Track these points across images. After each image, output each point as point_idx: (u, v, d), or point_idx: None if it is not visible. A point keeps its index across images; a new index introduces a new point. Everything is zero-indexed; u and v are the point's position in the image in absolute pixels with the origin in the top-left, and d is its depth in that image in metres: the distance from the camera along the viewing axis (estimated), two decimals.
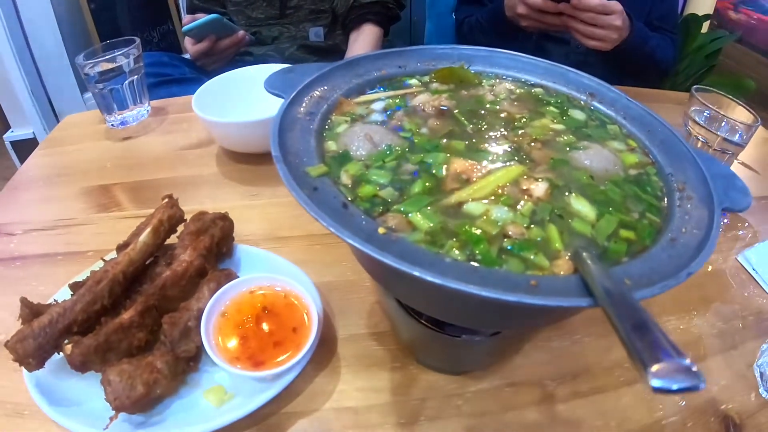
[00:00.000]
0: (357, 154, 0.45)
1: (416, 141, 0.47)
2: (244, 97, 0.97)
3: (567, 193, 0.41)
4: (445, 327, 0.48)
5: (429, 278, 0.30)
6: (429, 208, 0.39)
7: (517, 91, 0.57)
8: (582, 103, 0.56)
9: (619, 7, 1.09)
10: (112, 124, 1.06)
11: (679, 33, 1.41)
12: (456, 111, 0.52)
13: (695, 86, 0.93)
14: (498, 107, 0.54)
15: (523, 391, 0.50)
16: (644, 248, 0.37)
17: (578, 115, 0.54)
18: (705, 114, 0.89)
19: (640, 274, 0.33)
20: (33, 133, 2.25)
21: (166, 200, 0.68)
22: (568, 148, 0.47)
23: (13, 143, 2.29)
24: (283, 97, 0.48)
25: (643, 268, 0.34)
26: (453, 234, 0.37)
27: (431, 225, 0.37)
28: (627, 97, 0.54)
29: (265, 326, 0.54)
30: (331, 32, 1.52)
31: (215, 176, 0.92)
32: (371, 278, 0.49)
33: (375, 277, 0.47)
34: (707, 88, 0.93)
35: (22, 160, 2.42)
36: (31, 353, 0.54)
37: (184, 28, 1.27)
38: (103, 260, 0.65)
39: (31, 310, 0.57)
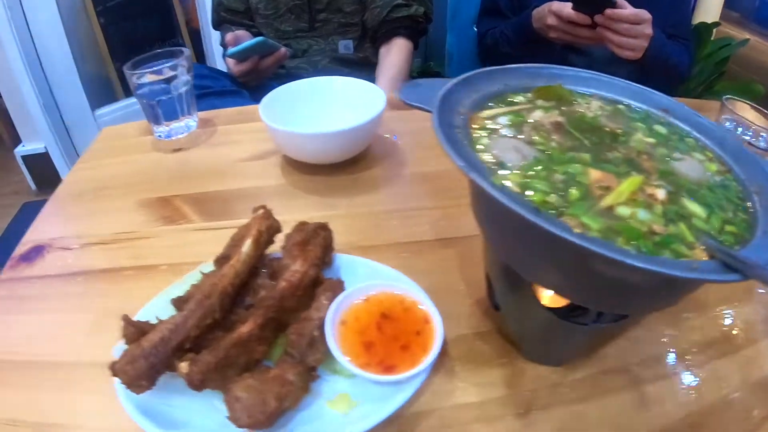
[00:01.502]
0: (511, 164, 0.46)
1: (551, 153, 0.48)
2: (305, 109, 0.93)
3: (681, 197, 0.45)
4: (571, 317, 0.50)
5: (629, 260, 0.34)
6: (589, 211, 0.41)
7: (607, 107, 0.58)
8: (660, 118, 0.57)
9: (648, 15, 1.09)
10: (160, 136, 1.00)
11: (692, 40, 1.41)
12: (568, 126, 0.53)
13: (725, 97, 0.91)
14: (599, 123, 0.55)
15: (614, 376, 0.53)
16: (746, 240, 0.41)
17: (661, 129, 0.55)
18: (734, 122, 0.88)
19: (755, 258, 0.37)
20: (45, 147, 2.16)
21: (261, 211, 0.62)
22: (667, 159, 0.50)
23: (25, 157, 2.19)
24: (427, 110, 0.48)
25: (754, 254, 0.38)
26: (618, 232, 0.39)
27: (600, 225, 0.40)
28: (695, 113, 0.56)
29: (387, 331, 0.53)
30: (361, 45, 1.49)
31: (284, 187, 0.87)
32: (465, 283, 0.57)
33: (530, 267, 0.47)
34: (735, 98, 0.92)
35: (33, 174, 2.33)
36: (144, 374, 0.47)
37: (229, 51, 1.23)
38: (202, 273, 0.58)
39: (136, 329, 0.50)
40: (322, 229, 0.63)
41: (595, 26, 1.14)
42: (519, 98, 0.57)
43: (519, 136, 0.50)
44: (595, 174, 0.45)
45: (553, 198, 0.42)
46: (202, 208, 0.83)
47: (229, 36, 1.26)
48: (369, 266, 0.64)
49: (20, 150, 2.20)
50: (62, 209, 0.86)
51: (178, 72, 0.95)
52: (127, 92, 2.40)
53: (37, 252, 0.76)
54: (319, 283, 0.58)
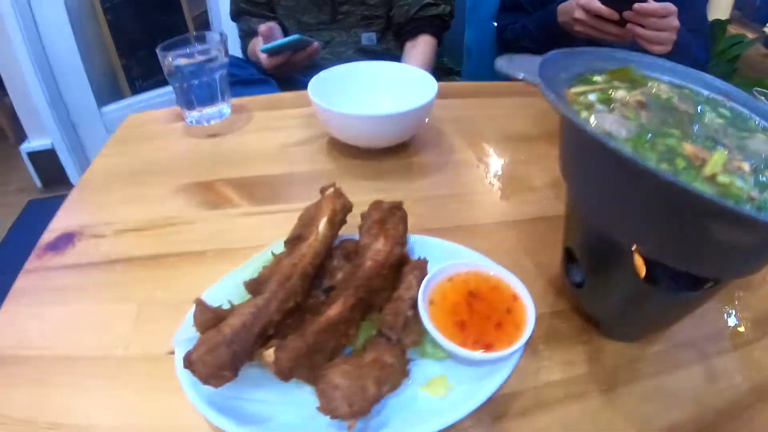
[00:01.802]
0: (618, 135, 0.46)
1: (648, 127, 0.48)
2: (352, 93, 0.88)
3: (763, 169, 0.45)
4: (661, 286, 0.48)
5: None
6: (697, 179, 0.42)
7: (674, 91, 0.58)
8: (721, 102, 0.57)
9: (674, 7, 1.06)
10: (192, 121, 0.93)
11: (709, 36, 1.38)
12: (650, 105, 0.53)
13: (755, 89, 0.91)
14: (673, 104, 0.55)
15: (683, 351, 0.53)
16: None
17: (725, 112, 0.55)
18: None
19: None
20: (51, 143, 2.07)
21: (332, 189, 0.56)
22: (738, 137, 0.50)
23: (30, 154, 2.09)
24: (531, 81, 0.49)
25: None
26: (726, 197, 0.40)
27: (711, 191, 0.41)
28: (752, 98, 0.56)
29: (478, 310, 0.50)
30: (384, 38, 1.45)
31: (333, 172, 0.81)
32: (533, 264, 0.53)
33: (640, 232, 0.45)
34: (762, 89, 0.91)
35: (39, 171, 2.23)
36: (226, 364, 0.40)
37: (264, 47, 1.17)
38: (273, 254, 0.51)
39: (212, 315, 0.43)
40: (397, 208, 0.57)
41: (623, 23, 1.10)
42: (597, 78, 0.57)
43: (613, 112, 0.50)
44: (688, 147, 0.45)
45: (664, 166, 0.42)
46: (248, 192, 0.76)
47: (263, 28, 1.20)
48: (444, 246, 0.60)
49: (26, 146, 2.11)
50: (90, 196, 0.79)
51: (214, 55, 0.88)
52: (134, 89, 2.32)
53: (66, 240, 0.69)
54: (403, 263, 0.53)
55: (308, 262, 0.48)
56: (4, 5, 1.81)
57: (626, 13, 1.06)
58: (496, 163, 0.85)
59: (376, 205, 0.55)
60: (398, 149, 0.86)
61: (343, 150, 0.86)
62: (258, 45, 1.23)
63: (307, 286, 0.47)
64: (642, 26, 1.08)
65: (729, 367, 0.52)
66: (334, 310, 0.45)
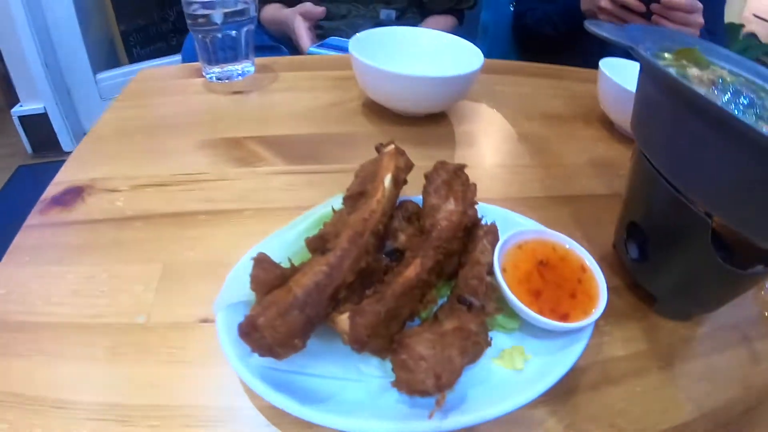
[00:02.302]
0: None
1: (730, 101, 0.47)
2: (392, 56, 0.80)
3: None
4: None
5: None
6: None
7: (733, 76, 0.55)
8: None
9: (700, 5, 1.03)
10: (212, 78, 0.84)
11: (726, 38, 1.35)
12: (721, 84, 0.51)
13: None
14: (736, 86, 0.52)
15: (728, 333, 0.52)
16: None
17: None
18: None
19: None
20: (44, 108, 1.94)
21: (392, 146, 0.49)
22: None
23: (21, 118, 1.96)
24: (626, 44, 0.47)
25: None
26: None
27: None
28: None
29: (550, 279, 0.46)
30: (402, 16, 1.37)
31: (373, 135, 0.74)
32: (586, 240, 0.52)
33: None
34: None
35: (30, 136, 2.08)
36: (298, 330, 0.33)
37: (310, 50, 1.12)
38: (334, 210, 0.44)
39: (276, 273, 0.36)
40: (461, 170, 0.50)
41: (648, 15, 1.05)
42: (667, 56, 0.56)
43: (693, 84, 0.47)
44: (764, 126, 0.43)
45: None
46: (282, 151, 0.69)
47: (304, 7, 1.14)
48: (504, 215, 0.55)
49: (17, 110, 1.96)
50: (102, 148, 0.69)
51: (243, 8, 0.80)
52: (131, 58, 2.19)
53: (74, 194, 0.60)
54: (475, 227, 0.47)
55: (378, 219, 0.41)
56: None
57: (653, 6, 1.02)
58: (534, 138, 0.79)
59: (442, 165, 0.49)
60: (438, 118, 0.80)
61: (379, 114, 0.79)
62: (278, 13, 1.17)
63: (378, 246, 0.40)
64: (667, 20, 1.04)
65: None
66: (412, 271, 0.38)
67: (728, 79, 0.53)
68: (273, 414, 0.38)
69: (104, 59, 2.10)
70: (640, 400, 0.44)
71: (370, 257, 0.39)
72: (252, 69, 0.88)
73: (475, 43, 0.81)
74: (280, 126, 0.75)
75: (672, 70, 0.50)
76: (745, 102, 0.48)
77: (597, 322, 0.48)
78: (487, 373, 0.41)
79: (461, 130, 0.79)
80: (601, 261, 0.56)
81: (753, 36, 2.40)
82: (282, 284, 0.36)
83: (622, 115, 0.76)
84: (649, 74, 0.47)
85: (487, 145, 0.78)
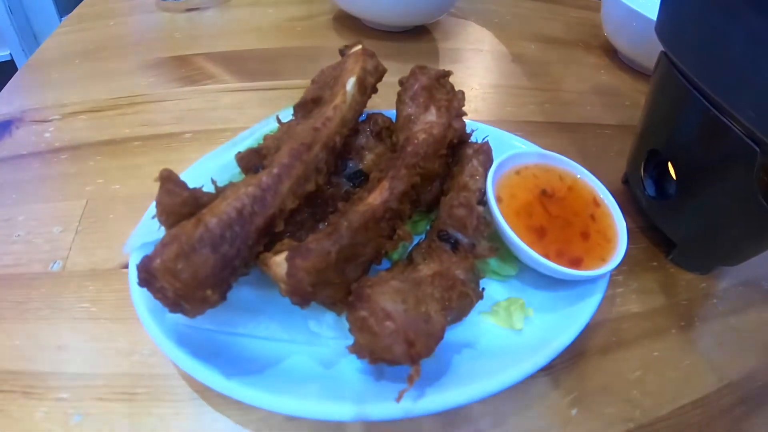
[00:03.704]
0: None
1: None
2: None
3: None
4: None
5: None
6: None
7: None
8: None
9: None
10: None
11: None
12: None
13: None
14: None
15: (750, 290, 0.44)
16: None
17: None
18: None
19: None
20: (10, 54, 1.76)
21: (360, 47, 0.36)
22: None
23: None
24: None
25: None
26: None
27: None
28: None
29: (556, 214, 0.36)
30: None
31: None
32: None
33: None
34: None
35: None
36: (210, 278, 0.21)
37: None
38: (279, 121, 0.32)
39: (186, 196, 0.24)
40: (445, 77, 0.37)
41: None
42: None
43: None
44: None
45: None
46: (236, 67, 0.57)
47: None
48: (501, 136, 0.43)
49: None
50: (39, 76, 0.57)
51: None
52: None
53: (1, 129, 0.49)
54: (462, 145, 0.35)
55: (334, 129, 0.28)
56: None
57: None
58: (531, 61, 0.67)
59: (422, 69, 0.36)
60: (418, 33, 0.68)
61: (353, 28, 0.67)
62: None
63: (333, 164, 0.28)
64: None
65: None
66: (377, 197, 0.26)
67: None
68: (202, 385, 0.28)
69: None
70: (657, 368, 0.36)
71: (321, 178, 0.27)
72: None
73: None
74: (237, 41, 0.62)
75: None
76: None
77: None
78: (475, 334, 0.31)
79: (445, 46, 0.67)
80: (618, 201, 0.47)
81: None
82: (196, 212, 0.24)
83: (628, 40, 0.65)
84: None
85: (477, 63, 0.66)
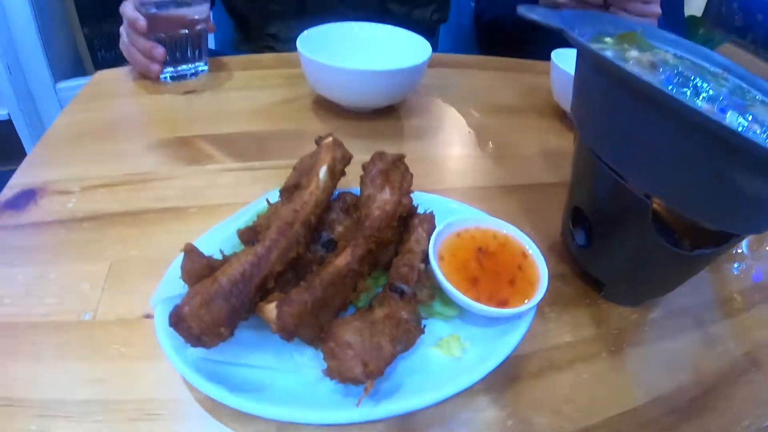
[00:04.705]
0: None
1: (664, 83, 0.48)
2: (342, 52, 0.81)
3: None
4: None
5: None
6: None
7: (678, 60, 0.57)
8: (723, 74, 0.56)
9: None
10: (165, 77, 0.84)
11: (685, 31, 1.38)
12: (661, 67, 0.53)
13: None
14: (679, 68, 0.54)
15: (682, 317, 0.53)
16: None
17: (726, 83, 0.55)
18: None
19: None
20: (8, 114, 1.90)
21: (330, 138, 0.49)
22: (744, 101, 0.49)
23: None
24: (557, 27, 0.47)
25: None
26: None
27: None
28: (751, 74, 0.55)
29: (489, 267, 0.46)
30: None
31: (321, 130, 0.72)
32: (534, 230, 0.55)
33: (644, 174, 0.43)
34: None
35: None
36: (223, 319, 0.34)
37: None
38: (269, 203, 0.45)
39: (204, 263, 0.36)
40: (400, 160, 0.51)
41: (606, 6, 1.07)
42: (608, 40, 0.56)
43: (630, 65, 0.48)
44: (703, 104, 0.45)
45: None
46: (231, 149, 0.69)
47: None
48: (446, 204, 0.55)
49: None
50: (56, 151, 0.69)
51: (202, 9, 0.79)
52: (96, 62, 2.16)
53: (27, 197, 0.60)
54: (410, 216, 0.48)
55: (310, 210, 0.41)
56: None
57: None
58: (486, 130, 0.80)
59: (380, 155, 0.49)
60: (387, 113, 0.81)
61: (330, 110, 0.79)
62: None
63: (309, 237, 0.41)
64: (625, 10, 1.06)
65: (723, 334, 0.52)
66: (342, 260, 0.38)
67: (671, 61, 0.55)
68: (212, 406, 0.39)
69: (68, 63, 2.06)
70: (587, 387, 0.44)
71: (301, 248, 0.40)
72: (205, 68, 0.88)
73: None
74: (230, 124, 0.75)
75: (609, 53, 0.51)
76: (685, 80, 0.49)
77: (543, 309, 0.50)
78: (424, 362, 0.42)
79: (410, 123, 0.80)
80: (550, 250, 0.58)
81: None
82: (210, 274, 0.36)
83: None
84: (583, 56, 0.48)
85: (436, 137, 0.78)
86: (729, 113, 0.45)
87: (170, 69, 0.83)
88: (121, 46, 0.86)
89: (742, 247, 0.65)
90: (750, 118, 0.44)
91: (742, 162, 0.35)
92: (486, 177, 0.70)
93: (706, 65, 0.57)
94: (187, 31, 0.80)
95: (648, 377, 0.46)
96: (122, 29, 0.84)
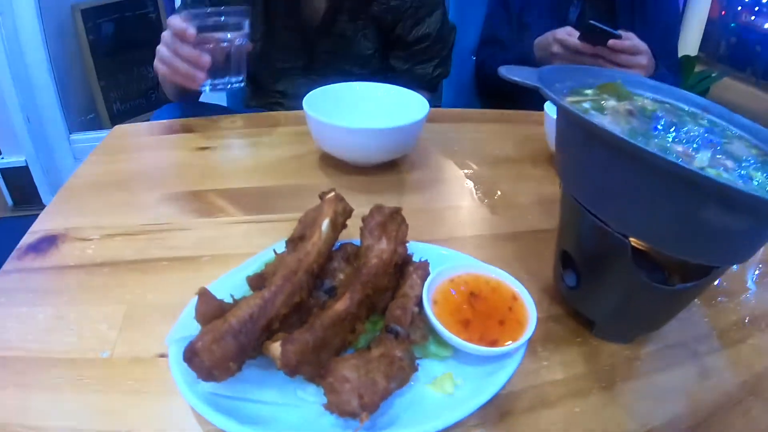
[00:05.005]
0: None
1: (638, 129, 0.52)
2: (344, 111, 0.88)
3: (743, 165, 0.49)
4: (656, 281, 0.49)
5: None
6: None
7: (657, 104, 0.61)
8: (701, 114, 0.61)
9: (644, 46, 1.11)
10: (205, 88, 0.92)
11: (680, 72, 1.45)
12: (638, 114, 0.57)
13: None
14: (657, 113, 0.58)
15: (676, 351, 0.55)
16: None
17: (705, 123, 0.59)
18: None
19: None
20: (25, 161, 2.00)
21: (333, 194, 0.55)
22: (719, 143, 0.53)
23: (3, 170, 2.01)
24: (534, 86, 0.51)
25: None
26: None
27: None
28: (729, 111, 0.59)
29: (480, 309, 0.50)
30: None
31: (326, 185, 0.78)
32: (528, 274, 0.57)
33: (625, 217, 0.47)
34: None
35: (11, 188, 2.13)
36: (233, 355, 0.39)
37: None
38: (275, 252, 0.50)
39: (215, 306, 0.42)
40: (397, 213, 0.56)
41: (597, 57, 1.14)
42: (587, 91, 0.61)
43: (605, 117, 0.53)
44: (677, 147, 0.49)
45: None
46: (240, 202, 0.75)
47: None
48: (441, 253, 0.59)
49: None
50: (76, 200, 0.75)
51: (236, 21, 0.89)
52: (111, 113, 2.27)
53: (49, 242, 0.65)
54: (406, 264, 0.52)
55: (313, 259, 0.46)
56: None
57: (598, 49, 1.12)
58: (484, 181, 0.86)
59: (378, 208, 0.55)
60: (389, 167, 0.87)
61: (335, 166, 0.86)
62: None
63: (311, 284, 0.46)
64: (613, 62, 1.14)
65: (719, 365, 0.54)
66: (341, 305, 0.43)
67: (649, 107, 0.60)
68: None
69: (84, 114, 2.18)
70: (579, 420, 0.45)
71: (305, 293, 0.45)
72: (243, 82, 0.96)
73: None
74: (240, 179, 0.81)
75: (587, 104, 0.56)
76: (663, 125, 0.54)
77: (535, 348, 0.54)
78: (419, 398, 0.45)
79: (410, 177, 0.85)
80: (543, 292, 0.61)
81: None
82: (222, 316, 0.41)
83: None
84: (559, 110, 0.51)
85: (435, 189, 0.84)
86: (701, 152, 0.49)
87: (209, 81, 0.91)
88: (158, 63, 0.91)
89: (748, 281, 0.69)
90: (721, 157, 0.49)
91: (706, 200, 0.38)
92: (483, 226, 0.75)
93: (685, 107, 0.62)
94: (227, 44, 0.88)
95: (641, 409, 0.47)
96: (161, 47, 0.90)
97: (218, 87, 0.93)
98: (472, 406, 0.43)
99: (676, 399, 0.49)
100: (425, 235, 0.68)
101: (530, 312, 0.49)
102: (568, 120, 0.50)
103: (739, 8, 2.47)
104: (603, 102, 0.58)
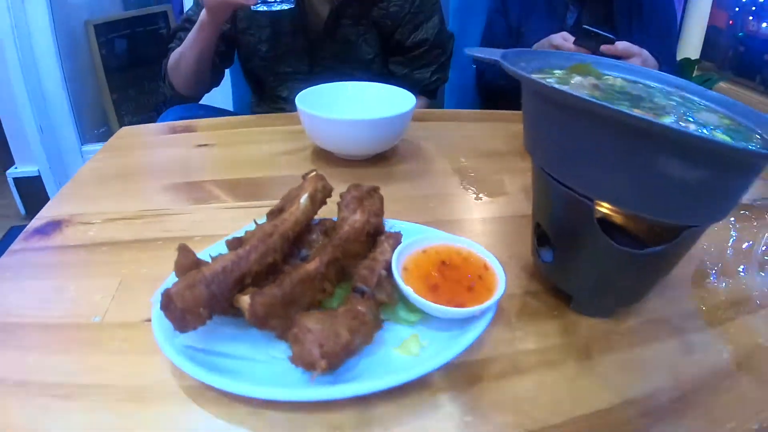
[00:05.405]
0: None
1: (602, 96, 0.55)
2: (336, 108, 0.93)
3: (709, 129, 0.50)
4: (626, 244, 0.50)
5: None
6: None
7: (628, 83, 0.63)
8: (675, 92, 0.62)
9: (637, 50, 1.14)
10: (258, 5, 0.99)
11: (679, 75, 1.47)
12: (603, 88, 0.59)
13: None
14: (627, 90, 0.60)
15: (658, 326, 0.55)
16: None
17: (676, 99, 0.60)
18: None
19: None
20: (38, 171, 2.09)
21: (314, 173, 0.60)
22: (688, 113, 0.54)
23: (16, 180, 2.11)
24: (495, 60, 0.54)
25: None
26: None
27: None
28: (707, 90, 0.60)
29: (450, 276, 0.52)
30: None
31: None
32: (508, 254, 0.58)
33: (584, 177, 0.48)
34: None
35: (23, 197, 2.23)
36: (203, 302, 0.43)
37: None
38: (256, 222, 0.55)
39: (192, 261, 0.47)
40: (375, 191, 0.61)
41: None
42: (556, 71, 0.63)
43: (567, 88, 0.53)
44: (638, 111, 0.50)
45: None
46: (235, 191, 0.81)
47: None
48: (419, 229, 0.62)
49: (12, 172, 2.13)
50: (81, 190, 0.82)
51: None
52: (122, 125, 2.37)
53: (54, 226, 0.71)
54: (379, 234, 0.56)
55: (289, 226, 0.51)
56: (4, 31, 1.88)
57: (595, 54, 1.15)
58: (472, 172, 0.88)
59: (356, 186, 0.59)
60: (378, 160, 0.91)
61: (326, 159, 0.91)
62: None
63: (287, 249, 0.50)
64: None
65: (704, 341, 0.54)
66: (311, 265, 0.48)
67: (618, 84, 0.62)
68: (195, 392, 0.46)
69: (96, 127, 2.28)
70: (551, 389, 0.46)
71: (278, 255, 0.49)
72: (294, 3, 1.03)
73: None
74: (236, 171, 0.87)
75: (552, 80, 0.59)
76: (629, 99, 0.55)
77: (509, 320, 0.55)
78: (386, 360, 0.48)
79: (399, 168, 0.89)
80: (523, 270, 0.63)
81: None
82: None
83: None
84: (522, 85, 0.52)
85: (423, 179, 0.86)
86: (664, 117, 0.51)
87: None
88: None
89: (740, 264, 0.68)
90: (685, 123, 0.49)
91: (661, 150, 0.39)
92: (468, 211, 0.78)
93: (658, 85, 0.64)
94: None
95: (619, 381, 0.47)
96: None
97: (270, 4, 0.99)
98: (436, 363, 0.45)
99: (657, 372, 0.49)
100: (410, 218, 0.70)
101: (500, 280, 0.50)
102: (527, 90, 0.51)
103: (750, 18, 2.50)
104: (571, 80, 0.60)
